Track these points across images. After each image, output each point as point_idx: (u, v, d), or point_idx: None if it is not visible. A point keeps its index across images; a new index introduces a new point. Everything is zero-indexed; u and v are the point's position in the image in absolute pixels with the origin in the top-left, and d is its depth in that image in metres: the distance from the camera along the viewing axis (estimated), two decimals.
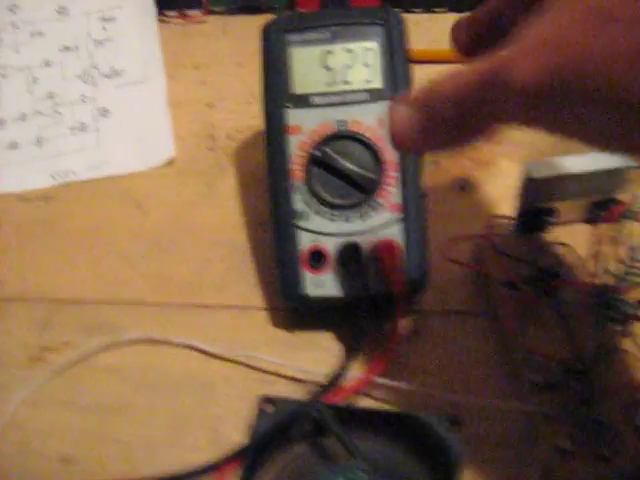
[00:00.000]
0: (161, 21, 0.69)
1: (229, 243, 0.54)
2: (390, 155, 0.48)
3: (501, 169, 0.57)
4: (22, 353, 0.50)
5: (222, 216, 0.56)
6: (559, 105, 0.29)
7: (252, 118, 0.61)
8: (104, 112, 0.61)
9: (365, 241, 0.47)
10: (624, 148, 0.30)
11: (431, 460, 0.42)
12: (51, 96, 0.62)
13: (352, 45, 0.49)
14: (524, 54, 0.29)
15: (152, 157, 0.59)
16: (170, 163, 0.59)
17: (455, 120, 0.34)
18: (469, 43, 0.41)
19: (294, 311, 0.50)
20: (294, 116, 0.49)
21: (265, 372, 0.48)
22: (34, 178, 0.59)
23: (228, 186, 0.58)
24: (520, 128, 0.57)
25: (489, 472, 0.43)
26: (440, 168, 0.57)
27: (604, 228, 0.49)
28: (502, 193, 0.55)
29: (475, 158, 0.58)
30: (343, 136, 0.48)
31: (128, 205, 0.57)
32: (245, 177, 0.58)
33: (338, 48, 0.50)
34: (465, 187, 0.56)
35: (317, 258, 0.47)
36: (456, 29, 0.42)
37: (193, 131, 0.61)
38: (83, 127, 0.60)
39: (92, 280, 0.53)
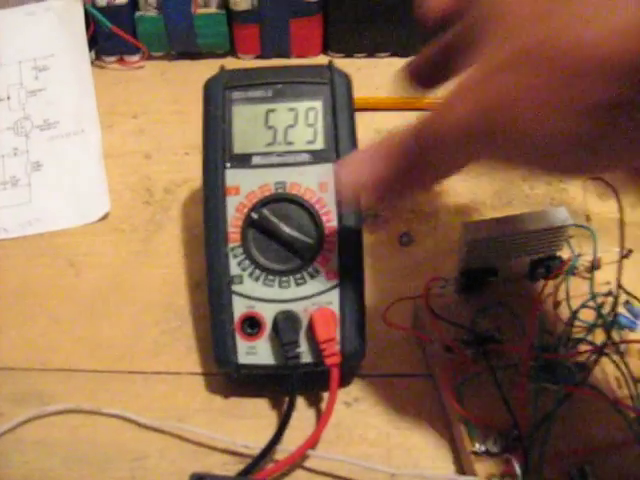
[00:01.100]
0: (99, 67, 0.68)
1: (164, 305, 0.53)
2: (329, 219, 0.47)
3: (443, 221, 0.56)
4: None
5: (158, 276, 0.54)
6: (490, 142, 0.31)
7: (190, 170, 0.60)
8: (37, 166, 0.59)
9: (301, 309, 0.46)
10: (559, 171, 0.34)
11: None
12: None
13: (295, 104, 0.48)
14: (454, 100, 0.32)
15: (86, 212, 0.57)
16: (105, 218, 0.58)
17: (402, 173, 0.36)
18: (424, 76, 0.42)
19: (230, 377, 0.48)
20: (233, 176, 0.47)
21: (200, 444, 0.46)
22: None
23: (165, 243, 0.56)
24: (461, 177, 0.56)
25: None
26: (380, 221, 0.56)
27: (545, 285, 0.49)
28: (444, 247, 0.54)
29: (416, 210, 0.57)
30: (282, 199, 0.47)
31: (60, 264, 0.55)
32: (183, 234, 0.57)
33: (281, 107, 0.48)
34: (406, 241, 0.55)
35: (251, 325, 0.46)
36: (408, 67, 0.42)
37: (129, 184, 0.60)
38: (15, 181, 0.58)
39: (20, 346, 0.51)
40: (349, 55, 0.67)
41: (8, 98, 0.61)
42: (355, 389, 0.48)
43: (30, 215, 0.57)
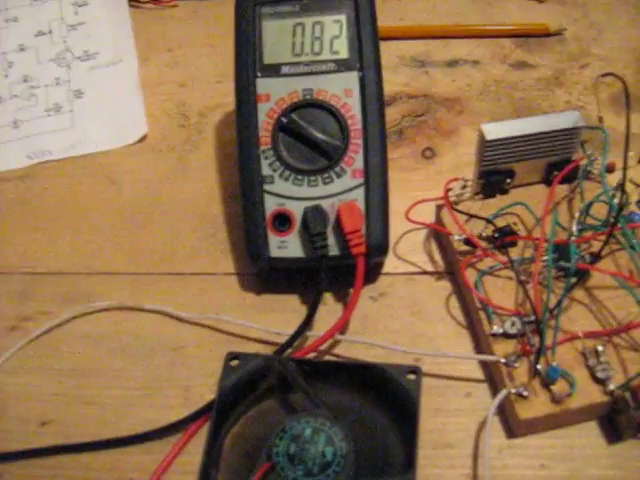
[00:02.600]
0: (134, 7, 0.71)
1: (200, 215, 0.56)
2: (354, 123, 0.50)
3: (463, 137, 0.59)
4: (0, 324, 0.52)
5: (194, 190, 0.58)
6: None
7: (223, 96, 0.63)
8: (78, 93, 0.63)
9: (328, 205, 0.49)
10: None
11: (392, 407, 0.44)
12: (26, 79, 0.63)
13: (321, 18, 0.51)
14: None
15: (125, 135, 0.61)
16: (143, 140, 0.61)
17: None
18: None
19: (262, 275, 0.52)
20: (264, 85, 0.51)
21: (234, 334, 0.49)
22: (11, 159, 0.61)
23: (200, 161, 0.59)
24: (481, 97, 0.59)
25: (453, 418, 0.45)
26: (405, 138, 0.59)
27: (560, 188, 0.51)
28: (465, 160, 0.56)
29: (438, 128, 0.59)
30: (309, 104, 0.50)
31: (102, 181, 0.59)
32: (216, 152, 0.60)
33: (308, 20, 0.51)
34: (429, 155, 0.58)
35: (282, 221, 0.49)
36: None
37: (166, 110, 0.63)
38: (58, 108, 0.62)
39: (68, 253, 0.55)
40: None
41: (50, 32, 0.65)
42: (380, 285, 0.51)
43: (73, 138, 0.61)
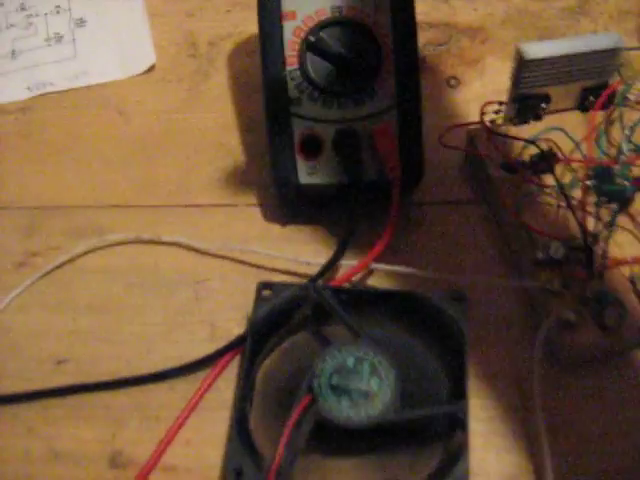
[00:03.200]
0: None
1: (216, 145, 0.53)
2: (386, 42, 0.47)
3: (488, 66, 0.56)
4: (7, 260, 0.49)
5: (207, 120, 0.54)
6: None
7: (234, 25, 0.59)
8: (80, 22, 0.59)
9: (360, 128, 0.46)
10: None
11: (437, 338, 0.41)
12: (23, 8, 0.59)
13: None
14: None
15: (132, 65, 0.57)
16: (151, 70, 0.58)
17: None
18: None
19: (287, 206, 0.49)
20: (289, 2, 0.47)
21: (260, 266, 0.47)
22: (10, 91, 0.57)
23: (212, 91, 0.56)
24: (504, 24, 0.56)
25: (496, 348, 0.43)
26: (427, 66, 0.56)
27: (596, 115, 0.49)
28: (491, 89, 0.54)
29: (462, 57, 0.57)
30: (339, 22, 0.47)
31: (109, 113, 0.55)
32: (229, 82, 0.57)
33: None
34: (454, 84, 0.55)
35: (311, 145, 0.46)
36: None
37: (174, 39, 0.59)
38: (59, 38, 0.58)
39: (76, 185, 0.52)
40: None
41: None
42: (414, 215, 0.48)
43: (76, 68, 0.57)
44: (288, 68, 0.46)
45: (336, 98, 0.46)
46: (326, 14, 0.47)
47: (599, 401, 0.41)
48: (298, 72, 0.46)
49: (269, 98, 0.47)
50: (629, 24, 0.58)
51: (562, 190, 0.44)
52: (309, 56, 0.47)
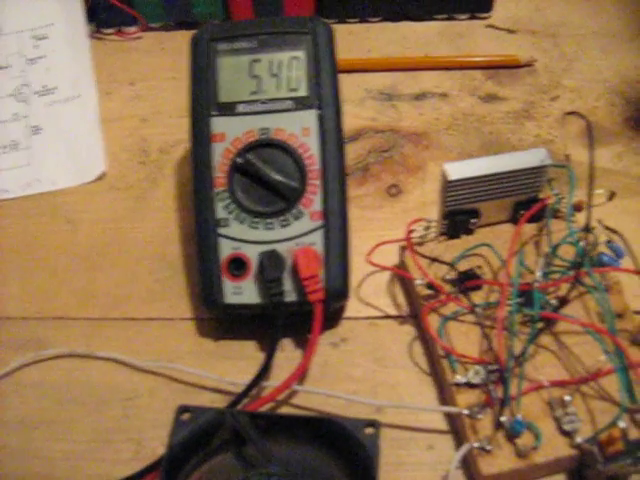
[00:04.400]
0: (98, 39, 0.69)
1: (158, 256, 0.54)
2: (313, 163, 0.48)
3: (429, 174, 0.57)
4: None
5: (151, 230, 0.56)
6: None
7: (185, 132, 0.60)
8: (36, 129, 0.61)
9: (285, 249, 0.47)
10: None
11: (349, 462, 0.42)
12: None
13: (279, 54, 0.50)
14: None
15: (83, 173, 0.59)
16: (102, 178, 0.59)
17: None
18: None
19: (219, 321, 0.50)
20: (219, 124, 0.49)
21: (188, 383, 0.48)
22: None
23: (159, 200, 0.58)
24: (449, 131, 0.57)
25: (415, 470, 0.43)
26: (370, 174, 0.57)
27: (528, 227, 0.50)
28: (431, 198, 0.55)
29: (405, 164, 0.58)
30: (266, 144, 0.48)
31: (58, 221, 0.57)
32: (176, 190, 0.58)
33: (265, 57, 0.50)
34: (394, 192, 0.56)
35: (238, 266, 0.47)
36: None
37: (126, 146, 0.61)
38: (15, 145, 0.60)
39: (19, 296, 0.53)
40: (341, 20, 0.69)
41: (8, 66, 0.63)
42: (341, 331, 0.49)
43: (30, 176, 0.59)
44: (216, 189, 0.48)
45: (263, 219, 0.47)
46: (254, 136, 0.48)
47: None
48: (226, 193, 0.48)
49: (198, 219, 0.48)
50: (573, 127, 0.59)
51: (475, 313, 0.45)
52: (237, 177, 0.48)
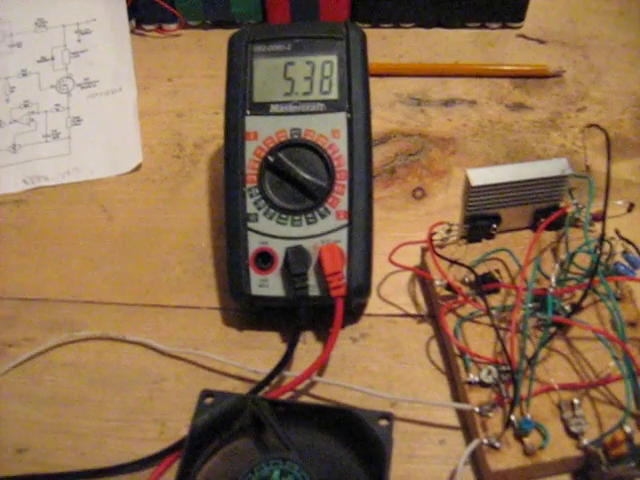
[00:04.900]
0: (139, 35, 0.71)
1: (188, 247, 0.56)
2: (340, 164, 0.50)
3: (454, 179, 0.59)
4: None
5: (184, 221, 0.58)
6: None
7: (219, 128, 0.62)
8: (77, 120, 0.63)
9: (311, 246, 0.49)
10: None
11: (363, 452, 0.44)
12: (27, 105, 0.64)
13: (312, 58, 0.52)
14: None
15: (120, 164, 0.61)
16: (137, 169, 0.62)
17: None
18: None
19: (244, 311, 0.52)
20: (252, 123, 0.51)
21: (213, 370, 0.50)
22: (7, 183, 0.61)
23: (192, 193, 0.60)
24: (475, 138, 0.59)
25: (426, 464, 0.45)
26: (396, 177, 0.59)
27: (548, 235, 0.51)
28: (454, 202, 0.56)
29: (430, 168, 0.59)
30: (297, 144, 0.50)
31: (95, 209, 0.59)
32: (209, 184, 0.60)
33: (299, 60, 0.52)
34: (419, 195, 0.58)
35: (265, 259, 0.49)
36: None
37: (162, 139, 0.63)
38: (56, 135, 0.63)
39: (56, 280, 0.56)
40: (375, 25, 0.70)
41: (52, 59, 0.66)
42: (362, 327, 0.51)
43: (69, 165, 0.62)
44: (248, 185, 0.50)
45: (290, 216, 0.49)
46: (286, 136, 0.50)
47: None
48: (257, 189, 0.50)
49: (229, 213, 0.50)
50: (596, 139, 0.60)
51: (490, 315, 0.46)
52: (267, 175, 0.50)
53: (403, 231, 0.55)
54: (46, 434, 0.48)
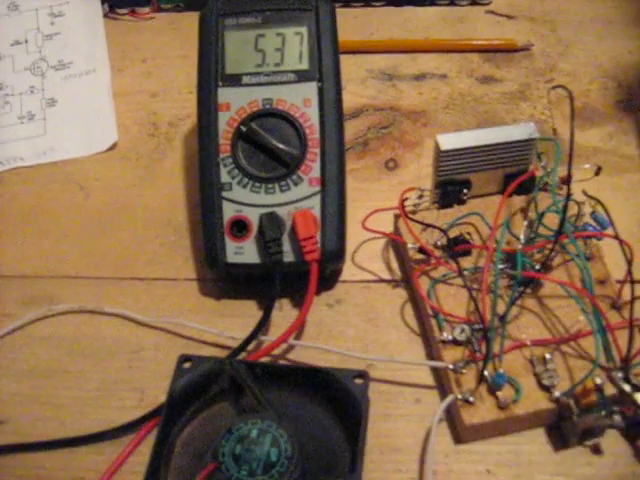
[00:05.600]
0: (111, 18, 0.72)
1: (164, 221, 0.57)
2: (312, 132, 0.51)
3: (427, 149, 0.59)
4: None
5: (159, 197, 0.59)
6: None
7: (193, 106, 0.63)
8: (51, 102, 0.64)
9: (285, 212, 0.50)
10: None
11: (340, 411, 0.44)
12: (1, 87, 0.64)
13: (282, 29, 0.53)
14: None
15: (96, 143, 0.62)
16: (113, 148, 0.62)
17: None
18: None
19: (221, 281, 0.52)
20: (224, 94, 0.52)
21: (191, 338, 0.50)
22: None
23: (167, 170, 0.60)
24: (446, 109, 0.60)
25: (402, 422, 0.46)
26: (369, 149, 0.60)
27: (518, 199, 0.52)
28: (426, 172, 0.56)
29: (402, 140, 0.60)
30: (269, 113, 0.51)
31: (71, 188, 0.60)
32: (184, 161, 0.61)
33: (269, 32, 0.53)
34: (392, 166, 0.59)
35: (239, 227, 0.50)
36: None
37: (137, 119, 0.64)
38: (31, 116, 0.63)
39: (34, 256, 0.56)
40: (346, 4, 0.71)
41: (26, 41, 0.66)
42: (337, 293, 0.52)
43: (45, 146, 0.62)
44: (221, 155, 0.51)
45: (264, 184, 0.50)
46: (258, 106, 0.51)
47: None
48: (230, 159, 0.50)
49: (203, 183, 0.51)
50: (565, 108, 0.61)
51: (462, 276, 0.47)
52: (240, 145, 0.51)
53: (376, 200, 0.55)
54: (26, 406, 0.48)
